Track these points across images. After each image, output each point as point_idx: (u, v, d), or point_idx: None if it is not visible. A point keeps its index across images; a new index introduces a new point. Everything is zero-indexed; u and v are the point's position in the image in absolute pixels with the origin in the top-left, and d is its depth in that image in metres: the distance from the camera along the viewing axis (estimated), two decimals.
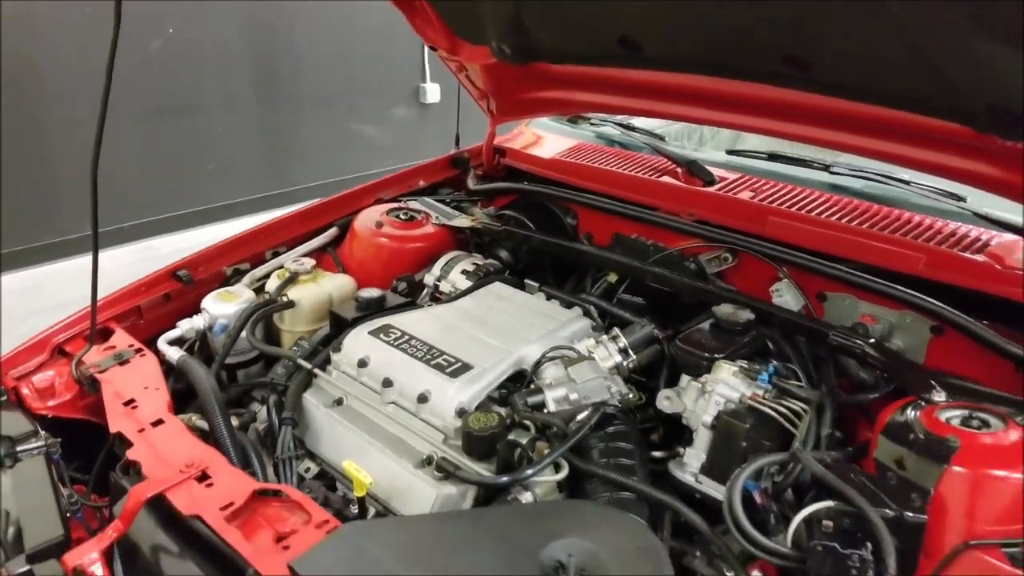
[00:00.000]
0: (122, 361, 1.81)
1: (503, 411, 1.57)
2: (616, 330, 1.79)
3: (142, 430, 1.58)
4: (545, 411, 1.57)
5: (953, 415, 1.39)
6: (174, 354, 1.86)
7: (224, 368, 2.01)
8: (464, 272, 2.11)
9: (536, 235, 2.19)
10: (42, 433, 1.71)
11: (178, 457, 1.49)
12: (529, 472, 1.43)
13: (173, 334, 1.96)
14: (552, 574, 1.18)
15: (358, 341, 1.77)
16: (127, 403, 1.67)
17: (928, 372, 1.60)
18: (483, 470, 1.49)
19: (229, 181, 5.79)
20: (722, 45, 1.74)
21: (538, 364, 1.68)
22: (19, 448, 1.63)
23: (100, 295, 1.83)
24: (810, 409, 1.55)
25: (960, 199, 1.94)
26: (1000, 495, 1.24)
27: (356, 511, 1.47)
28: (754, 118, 1.93)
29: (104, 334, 1.95)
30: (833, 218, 1.95)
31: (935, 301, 1.68)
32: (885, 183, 2.05)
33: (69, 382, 1.82)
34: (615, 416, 1.57)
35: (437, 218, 2.34)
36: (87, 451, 1.83)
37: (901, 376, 1.57)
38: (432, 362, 1.67)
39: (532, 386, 1.62)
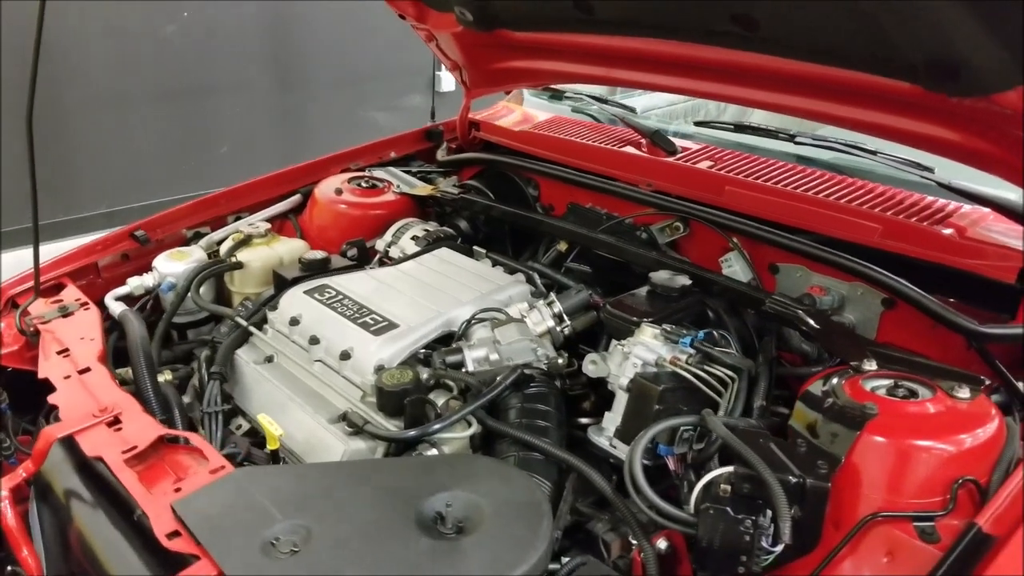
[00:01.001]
0: (66, 314, 1.83)
1: (426, 371, 1.55)
2: (552, 295, 1.75)
3: (68, 377, 1.60)
4: (463, 370, 1.54)
5: (879, 384, 1.33)
6: (117, 309, 1.88)
7: (175, 327, 2.02)
8: (414, 238, 2.09)
9: (492, 204, 2.16)
10: None
11: (96, 403, 1.49)
12: (436, 427, 1.41)
13: (122, 291, 1.98)
14: (430, 524, 1.16)
15: (293, 300, 1.77)
16: (60, 351, 1.69)
17: (866, 342, 1.54)
18: (394, 427, 1.46)
19: (241, 163, 5.85)
20: (671, 5, 1.70)
21: (467, 325, 1.66)
22: None
23: None
24: (739, 378, 1.50)
25: (928, 169, 1.86)
26: (916, 466, 1.19)
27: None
28: (708, 83, 1.88)
29: (57, 288, 1.97)
30: (794, 188, 1.89)
31: (886, 272, 1.61)
32: (850, 153, 1.98)
33: (16, 333, 1.84)
34: (534, 378, 1.53)
35: (399, 187, 2.32)
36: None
37: (834, 345, 1.52)
38: (359, 320, 1.65)
39: (455, 346, 1.59)
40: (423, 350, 1.62)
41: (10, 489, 1.39)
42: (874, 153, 1.97)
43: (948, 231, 1.65)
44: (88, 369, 1.61)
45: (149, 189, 5.49)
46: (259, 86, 5.82)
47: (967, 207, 1.74)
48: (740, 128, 2.22)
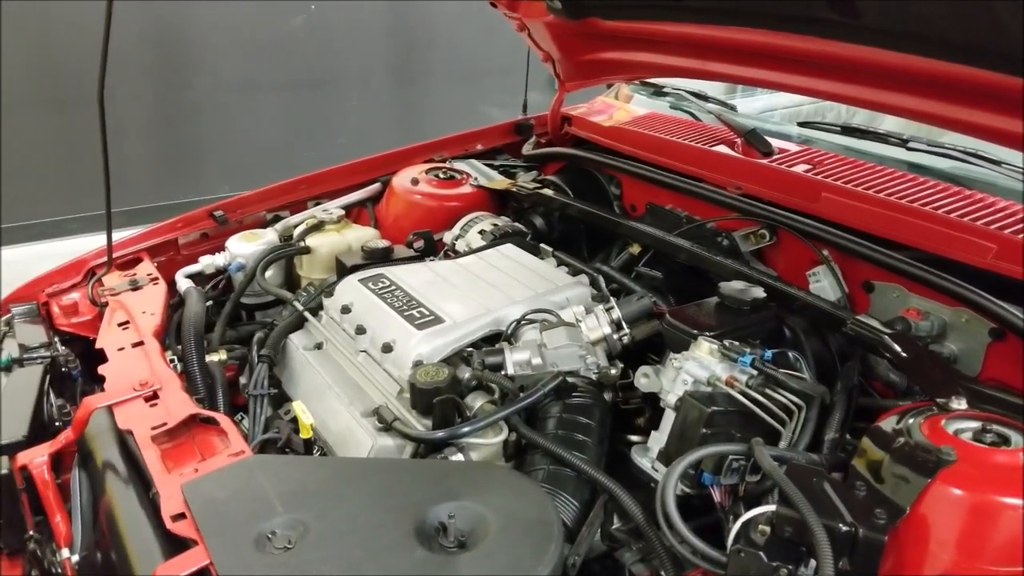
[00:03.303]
0: (135, 287, 1.87)
1: (468, 371, 1.48)
2: (613, 301, 1.63)
3: (121, 349, 1.62)
4: (503, 373, 1.45)
5: (965, 426, 1.14)
6: (184, 285, 1.91)
7: (244, 308, 2.04)
8: (481, 232, 2.01)
9: (565, 201, 2.06)
10: (57, 346, 1.81)
11: (141, 376, 1.51)
12: (465, 430, 1.33)
13: (193, 268, 2.01)
14: (432, 534, 1.08)
15: (347, 288, 1.74)
16: (121, 324, 1.72)
17: (961, 377, 1.34)
18: (424, 426, 1.39)
19: (358, 155, 5.97)
20: None
21: (516, 326, 1.57)
22: (26, 356, 1.73)
23: None
24: (809, 406, 1.33)
25: None
26: (996, 525, 1.00)
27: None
28: (804, 77, 1.73)
29: (135, 263, 2.03)
30: (899, 199, 1.68)
31: (994, 299, 1.40)
32: (969, 162, 1.75)
33: (89, 303, 1.90)
34: (578, 387, 1.42)
35: (476, 179, 2.26)
36: None
37: (921, 376, 1.32)
38: (405, 313, 1.59)
39: (497, 346, 1.50)
40: (469, 349, 1.54)
41: (49, 454, 1.41)
42: (998, 163, 1.73)
43: None
44: (141, 343, 1.63)
45: (269, 176, 5.67)
46: (380, 80, 5.93)
47: None
48: (847, 130, 2.02)
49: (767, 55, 1.76)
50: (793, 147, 2.03)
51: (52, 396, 1.66)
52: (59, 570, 1.32)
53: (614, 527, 1.29)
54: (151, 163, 5.20)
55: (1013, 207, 1.60)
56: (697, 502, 1.30)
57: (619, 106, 2.65)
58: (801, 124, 2.14)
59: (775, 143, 2.05)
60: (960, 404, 1.20)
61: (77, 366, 1.79)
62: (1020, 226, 1.52)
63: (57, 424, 1.62)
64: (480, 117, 6.38)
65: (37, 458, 1.42)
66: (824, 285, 1.65)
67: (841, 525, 1.01)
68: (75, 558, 1.34)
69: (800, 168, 1.87)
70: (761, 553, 1.01)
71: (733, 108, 2.32)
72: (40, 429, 1.53)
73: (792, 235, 1.74)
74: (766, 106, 2.74)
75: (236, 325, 1.99)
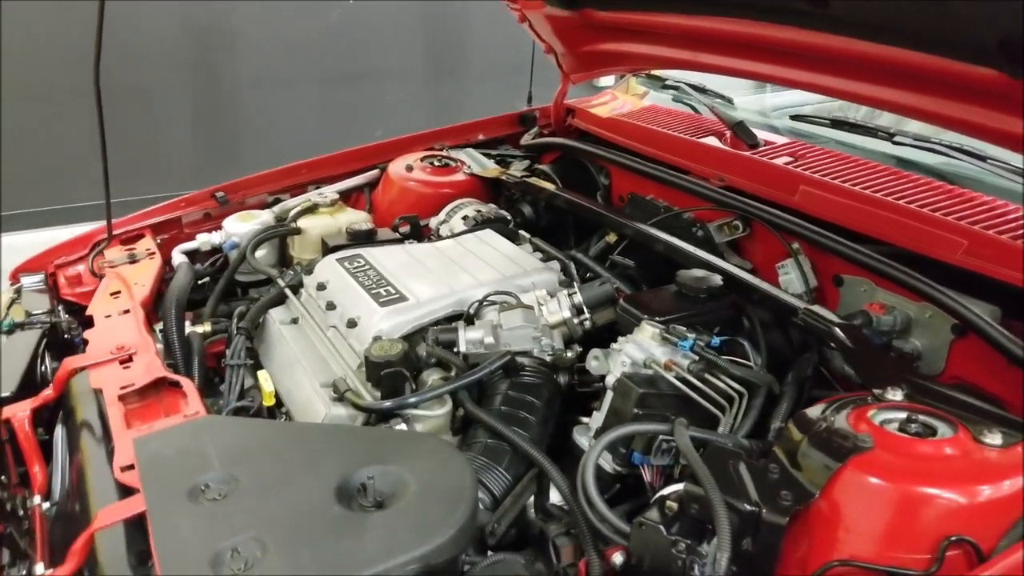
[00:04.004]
0: (132, 260, 1.97)
1: (425, 347, 1.52)
2: (576, 286, 1.65)
3: (108, 316, 1.71)
4: (455, 350, 1.49)
5: (892, 416, 1.14)
6: (179, 260, 1.99)
7: (239, 285, 2.12)
8: (464, 218, 2.06)
9: (548, 190, 2.08)
10: (59, 313, 1.91)
11: (121, 341, 1.59)
12: (411, 400, 1.38)
13: (189, 245, 2.10)
14: (353, 494, 1.12)
15: (324, 266, 1.80)
16: (113, 293, 1.82)
17: (906, 370, 1.32)
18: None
19: None
20: None
21: (478, 306, 1.60)
22: (27, 321, 1.83)
23: None
24: (755, 395, 1.34)
25: None
26: (902, 513, 1.00)
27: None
28: (782, 67, 1.74)
29: (137, 239, 2.12)
30: (880, 193, 1.67)
31: (954, 296, 1.38)
32: (955, 157, 1.72)
33: (91, 274, 2.00)
34: (527, 368, 1.45)
35: (469, 167, 2.30)
36: None
37: (864, 367, 1.31)
38: (373, 291, 1.65)
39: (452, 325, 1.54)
40: (434, 327, 1.59)
41: (31, 409, 1.50)
42: (983, 159, 1.70)
43: None
44: (127, 311, 1.72)
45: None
46: (416, 74, 6.02)
47: None
48: (837, 124, 2.00)
49: (759, 47, 1.77)
50: (780, 139, 2.02)
51: (48, 359, 1.76)
52: (29, 515, 1.40)
53: (549, 503, 1.32)
54: (190, 155, 5.38)
55: (995, 204, 1.58)
56: (634, 482, 1.33)
57: (624, 98, 2.66)
58: (793, 118, 2.13)
59: (768, 136, 2.05)
60: (896, 395, 1.19)
61: (79, 332, 1.89)
62: (1000, 222, 1.50)
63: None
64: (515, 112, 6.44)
65: (19, 412, 1.51)
66: (792, 278, 1.65)
67: (746, 505, 1.02)
68: (45, 505, 1.42)
69: (781, 161, 1.86)
70: (661, 527, 1.03)
71: (729, 101, 2.31)
72: (33, 388, 1.62)
73: (764, 227, 1.74)
74: (794, 102, 2.71)
75: (229, 301, 2.07)
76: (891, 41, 1.40)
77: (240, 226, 2.10)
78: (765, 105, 2.60)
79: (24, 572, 1.29)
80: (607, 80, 3.19)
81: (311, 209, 2.15)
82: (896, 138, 1.83)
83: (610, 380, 1.36)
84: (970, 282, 1.44)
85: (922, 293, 1.43)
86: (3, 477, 1.41)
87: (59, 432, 1.57)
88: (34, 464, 1.50)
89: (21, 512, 1.38)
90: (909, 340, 1.50)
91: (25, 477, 1.51)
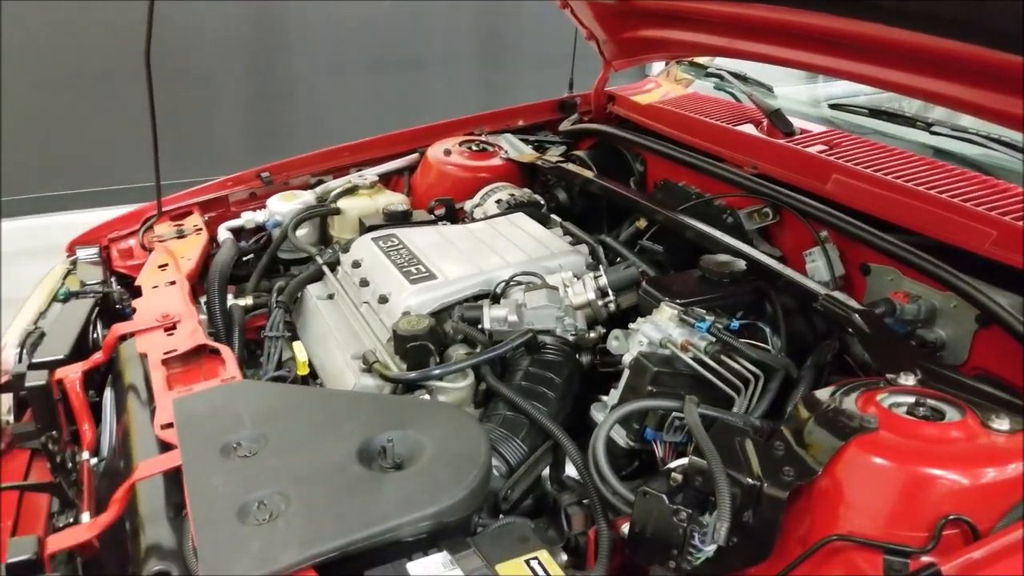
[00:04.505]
0: (181, 236, 2.06)
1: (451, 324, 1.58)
2: (602, 269, 1.69)
3: (155, 287, 1.80)
4: (479, 327, 1.54)
5: (901, 400, 1.15)
6: (223, 236, 2.08)
7: (281, 262, 2.20)
8: (498, 202, 2.10)
9: (582, 175, 2.11)
10: (111, 284, 2.02)
11: (166, 310, 1.68)
12: (436, 372, 1.43)
13: (235, 223, 2.19)
14: (373, 455, 1.18)
15: (360, 245, 1.86)
16: (161, 266, 1.91)
17: (922, 356, 1.32)
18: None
19: None
20: None
21: (505, 286, 1.65)
22: (81, 290, 1.94)
23: None
24: (772, 378, 1.36)
25: None
26: (902, 491, 1.02)
27: None
28: (837, 59, 1.72)
29: (186, 215, 2.22)
30: (912, 183, 1.66)
31: (979, 287, 1.38)
32: (991, 148, 1.70)
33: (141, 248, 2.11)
34: (549, 346, 1.49)
35: (507, 152, 2.34)
36: None
37: (880, 353, 1.32)
38: (404, 269, 1.70)
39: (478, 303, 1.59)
40: (460, 305, 1.64)
41: (82, 372, 1.60)
42: (1021, 150, 1.68)
43: None
44: (173, 283, 1.81)
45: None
46: (466, 62, 6.07)
47: None
48: (876, 113, 1.99)
49: (797, 35, 1.77)
50: (819, 129, 2.02)
51: (100, 326, 1.86)
52: (78, 468, 1.50)
53: (565, 475, 1.36)
54: (243, 139, 5.53)
55: None
56: (650, 460, 1.36)
57: (667, 86, 2.67)
58: (832, 106, 2.12)
59: (805, 125, 2.05)
60: (908, 381, 1.20)
61: (129, 302, 1.99)
62: None
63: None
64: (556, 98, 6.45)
65: (71, 374, 1.61)
66: (819, 265, 1.66)
67: (748, 479, 1.05)
68: (93, 460, 1.52)
69: (815, 149, 1.86)
70: (663, 496, 1.06)
71: (769, 89, 2.30)
72: (85, 352, 1.72)
73: (794, 215, 1.75)
74: (845, 92, 2.68)
75: (271, 277, 2.15)
76: (929, 29, 1.39)
77: (283, 205, 2.18)
78: (817, 95, 2.58)
79: (71, 520, 1.38)
80: (660, 66, 3.20)
81: (351, 191, 2.22)
82: (933, 128, 1.82)
83: (627, 359, 1.39)
84: (1002, 273, 1.43)
85: (945, 282, 1.43)
86: (55, 433, 1.50)
87: (108, 394, 1.67)
88: (84, 422, 1.60)
89: (70, 465, 1.47)
90: (933, 329, 1.50)
91: (76, 435, 1.61)
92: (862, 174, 1.72)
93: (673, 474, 1.10)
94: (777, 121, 1.99)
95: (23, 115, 5.05)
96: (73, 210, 5.00)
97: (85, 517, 1.34)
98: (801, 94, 2.53)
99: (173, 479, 1.22)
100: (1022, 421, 1.06)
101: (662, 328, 1.38)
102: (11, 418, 1.61)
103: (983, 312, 1.38)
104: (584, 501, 1.26)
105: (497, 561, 1.05)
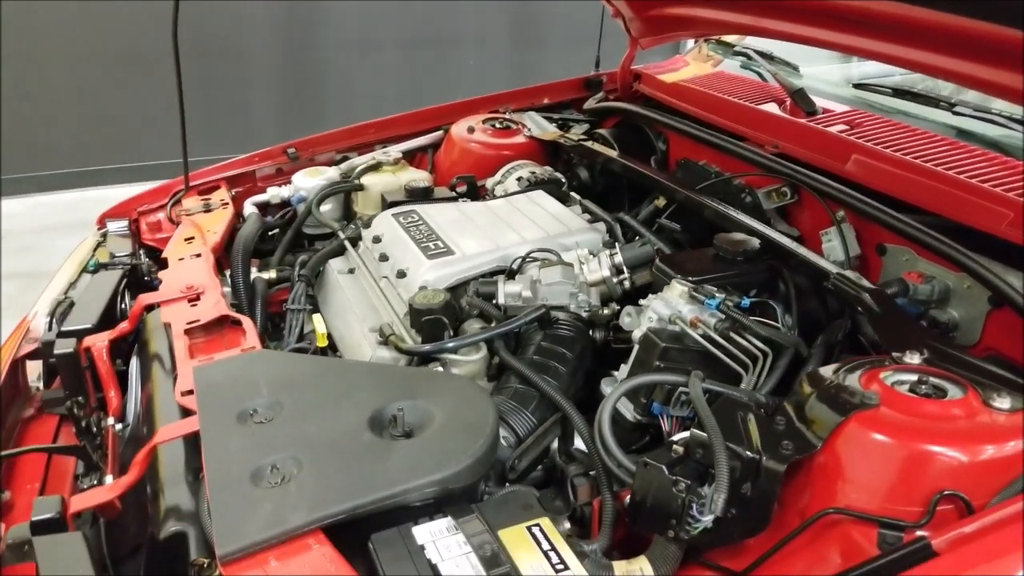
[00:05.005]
0: (207, 210, 2.11)
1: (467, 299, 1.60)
2: (617, 247, 1.70)
3: (181, 259, 1.85)
4: (494, 302, 1.56)
5: (903, 378, 1.16)
6: (249, 211, 2.13)
7: (306, 237, 2.24)
8: (519, 179, 2.11)
9: (606, 154, 2.11)
10: (140, 256, 2.08)
11: (191, 282, 1.73)
12: (449, 345, 1.46)
13: (260, 197, 2.23)
14: (384, 424, 1.21)
15: (381, 220, 1.89)
16: (187, 239, 1.96)
17: (929, 335, 1.32)
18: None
19: None
20: None
21: (521, 262, 1.67)
22: (110, 262, 2.00)
23: None
24: (781, 355, 1.37)
25: None
26: (898, 466, 1.03)
27: None
28: (848, 35, 1.71)
29: (213, 190, 2.27)
30: (931, 163, 1.64)
31: (990, 267, 1.37)
32: (1010, 128, 1.68)
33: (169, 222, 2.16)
34: (562, 321, 1.51)
35: (530, 130, 2.35)
36: None
37: (888, 332, 1.32)
38: (422, 244, 1.73)
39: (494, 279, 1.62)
40: (476, 280, 1.66)
41: (109, 340, 1.65)
42: None
43: None
44: (199, 255, 1.86)
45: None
46: (497, 41, 6.07)
47: None
48: (899, 93, 1.96)
49: (824, 14, 1.75)
50: (842, 108, 2.00)
51: (128, 297, 1.92)
52: (103, 433, 1.56)
53: (574, 447, 1.38)
54: (275, 114, 5.60)
55: None
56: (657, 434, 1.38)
57: (695, 65, 2.65)
58: (856, 86, 2.10)
59: (829, 105, 2.03)
60: (914, 359, 1.20)
61: (157, 275, 2.05)
62: None
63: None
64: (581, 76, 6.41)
65: (98, 343, 1.67)
66: (835, 245, 1.65)
67: (747, 452, 1.07)
68: (118, 426, 1.57)
69: (836, 129, 1.85)
70: (663, 467, 1.08)
71: (795, 68, 2.28)
72: (113, 322, 1.78)
73: (811, 195, 1.74)
74: (880, 72, 2.64)
75: (296, 251, 2.19)
76: (959, 10, 1.37)
77: (307, 181, 2.22)
78: (851, 75, 2.55)
79: (95, 482, 1.44)
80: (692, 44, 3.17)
81: (375, 167, 2.25)
82: (956, 108, 1.79)
83: (637, 335, 1.41)
84: (1021, 254, 1.42)
85: (958, 263, 1.42)
86: (80, 398, 1.56)
87: (134, 362, 1.73)
88: (110, 389, 1.65)
89: (95, 430, 1.53)
90: (947, 310, 1.49)
91: (103, 402, 1.67)
92: (881, 154, 1.71)
93: (675, 446, 1.12)
94: (799, 100, 1.97)
95: (63, 91, 5.17)
96: (111, 184, 5.13)
97: (109, 479, 1.40)
98: (834, 73, 2.50)
99: (192, 444, 1.26)
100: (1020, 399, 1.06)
101: (672, 305, 1.39)
102: (41, 384, 1.68)
103: (994, 293, 1.37)
104: (591, 472, 1.29)
105: (500, 527, 1.07)
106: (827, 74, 2.43)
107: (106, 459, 1.47)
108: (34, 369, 1.71)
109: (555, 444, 1.38)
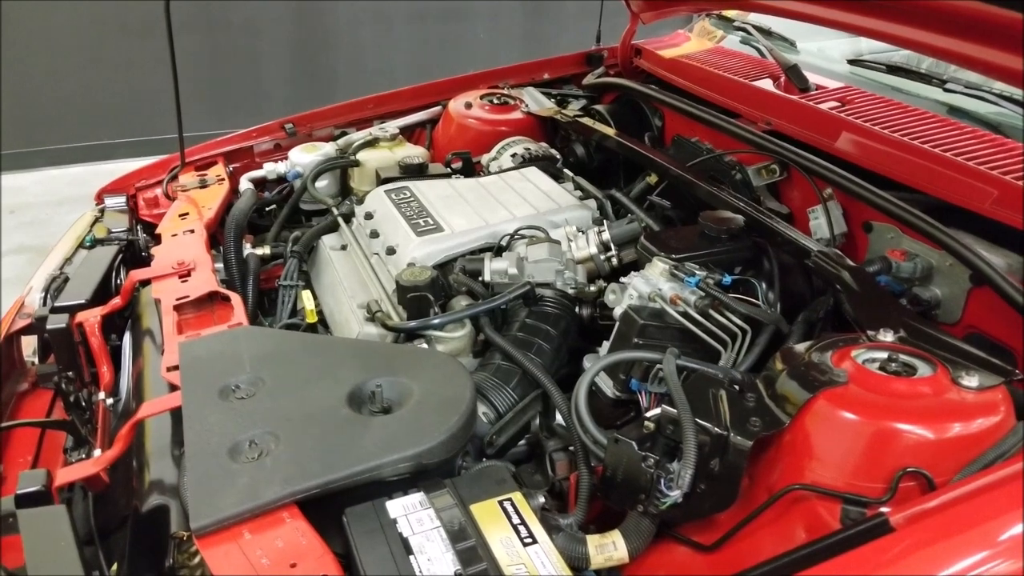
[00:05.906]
0: (203, 185, 2.13)
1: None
2: (605, 224, 1.70)
3: (175, 235, 1.87)
4: (481, 279, 1.57)
5: (874, 356, 1.16)
6: (244, 186, 2.14)
7: (303, 213, 2.25)
8: (514, 155, 2.11)
9: (600, 130, 2.11)
10: (137, 231, 2.10)
11: (182, 258, 1.75)
12: (434, 322, 1.47)
13: (256, 173, 2.24)
14: (363, 400, 1.23)
15: (373, 197, 1.90)
16: (182, 214, 1.98)
17: (905, 313, 1.32)
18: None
19: None
20: None
21: (509, 239, 1.68)
22: (106, 237, 2.02)
23: None
24: (762, 332, 1.37)
25: None
26: (863, 443, 1.04)
27: None
28: (847, 13, 1.69)
29: (210, 165, 2.29)
30: (921, 141, 1.63)
31: (968, 245, 1.37)
32: (1002, 106, 1.66)
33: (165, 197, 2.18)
34: (547, 298, 1.52)
35: (527, 106, 2.34)
36: None
37: (863, 310, 1.32)
38: (412, 221, 1.74)
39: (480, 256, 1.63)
40: (463, 257, 1.67)
41: (101, 315, 1.67)
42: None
43: None
44: (192, 231, 1.88)
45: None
46: (509, 14, 6.00)
47: None
48: (893, 70, 1.94)
49: None
50: (835, 85, 1.98)
51: (122, 272, 1.94)
52: (94, 408, 1.59)
53: (555, 423, 1.40)
54: (286, 89, 5.59)
55: None
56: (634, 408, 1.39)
57: (696, 40, 2.63)
58: (851, 62, 2.07)
59: (823, 82, 2.01)
60: (887, 337, 1.21)
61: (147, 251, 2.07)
62: None
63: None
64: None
65: (90, 318, 1.69)
66: (821, 222, 1.65)
67: (716, 428, 1.08)
68: (109, 401, 1.60)
69: (828, 106, 1.83)
70: (633, 443, 1.09)
71: (792, 44, 2.26)
72: (106, 297, 1.80)
73: (800, 172, 1.73)
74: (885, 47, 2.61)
75: (292, 227, 2.20)
76: None
77: (304, 157, 2.22)
78: (860, 49, 2.51)
79: (84, 456, 1.47)
80: None
81: (371, 143, 2.25)
82: (948, 85, 1.77)
83: (617, 312, 1.42)
84: (1009, 233, 1.41)
85: (939, 241, 1.42)
86: (70, 373, 1.58)
87: (127, 338, 1.76)
88: (102, 364, 1.68)
89: (84, 404, 1.56)
90: (929, 288, 1.49)
91: (96, 376, 1.70)
92: (870, 131, 1.70)
93: (647, 422, 1.13)
94: (793, 77, 1.96)
95: (73, 64, 5.18)
96: (120, 159, 5.15)
97: (97, 453, 1.43)
98: (839, 49, 2.46)
99: (178, 418, 1.28)
100: (993, 378, 1.06)
101: (652, 282, 1.39)
102: (36, 359, 1.71)
103: (973, 271, 1.37)
104: (570, 448, 1.30)
105: (472, 501, 1.09)
106: (831, 49, 2.40)
107: (95, 434, 1.50)
108: (28, 344, 1.74)
109: (537, 420, 1.40)
